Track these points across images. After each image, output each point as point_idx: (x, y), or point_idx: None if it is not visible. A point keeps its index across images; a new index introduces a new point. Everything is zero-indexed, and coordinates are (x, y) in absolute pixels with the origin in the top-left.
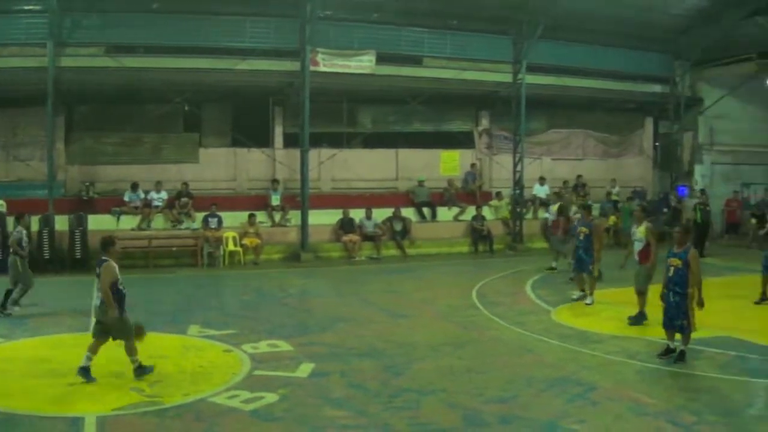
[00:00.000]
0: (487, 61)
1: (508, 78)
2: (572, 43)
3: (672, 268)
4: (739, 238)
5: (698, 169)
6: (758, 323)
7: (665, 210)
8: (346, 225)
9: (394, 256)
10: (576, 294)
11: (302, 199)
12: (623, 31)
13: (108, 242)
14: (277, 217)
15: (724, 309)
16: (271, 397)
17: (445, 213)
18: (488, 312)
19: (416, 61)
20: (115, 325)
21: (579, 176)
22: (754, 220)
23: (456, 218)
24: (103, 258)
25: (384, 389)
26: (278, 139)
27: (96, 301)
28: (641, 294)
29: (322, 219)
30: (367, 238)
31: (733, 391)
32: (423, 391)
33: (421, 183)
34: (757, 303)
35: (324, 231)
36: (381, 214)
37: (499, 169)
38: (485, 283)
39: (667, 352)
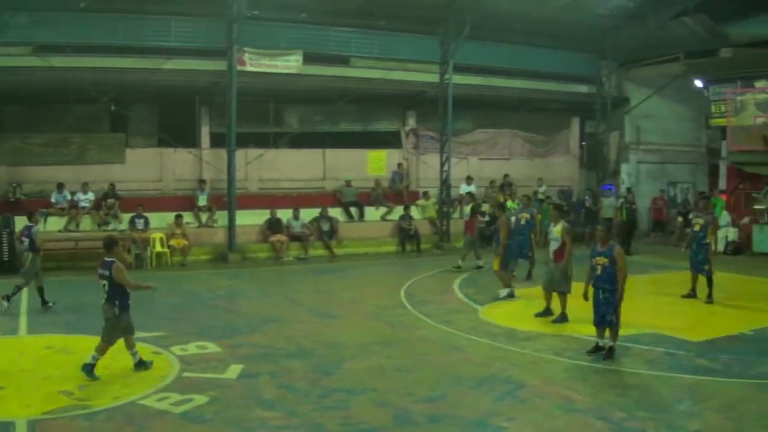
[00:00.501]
0: (414, 61)
1: (435, 78)
2: (499, 44)
3: (599, 267)
4: (666, 236)
5: (625, 168)
6: (685, 320)
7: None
8: (273, 225)
9: (322, 256)
10: (504, 291)
11: (229, 200)
12: (550, 31)
13: (112, 243)
14: (204, 217)
15: (652, 306)
16: (200, 399)
17: (372, 213)
18: (416, 311)
19: (343, 61)
20: (112, 326)
21: (506, 176)
22: (681, 219)
23: (383, 218)
24: (110, 259)
25: (314, 389)
26: (205, 139)
27: (102, 301)
28: (563, 294)
29: (250, 219)
30: (295, 238)
31: (662, 387)
32: (353, 390)
33: (348, 183)
34: (684, 297)
35: (251, 231)
36: (308, 214)
37: (426, 169)
38: (413, 282)
39: (597, 349)
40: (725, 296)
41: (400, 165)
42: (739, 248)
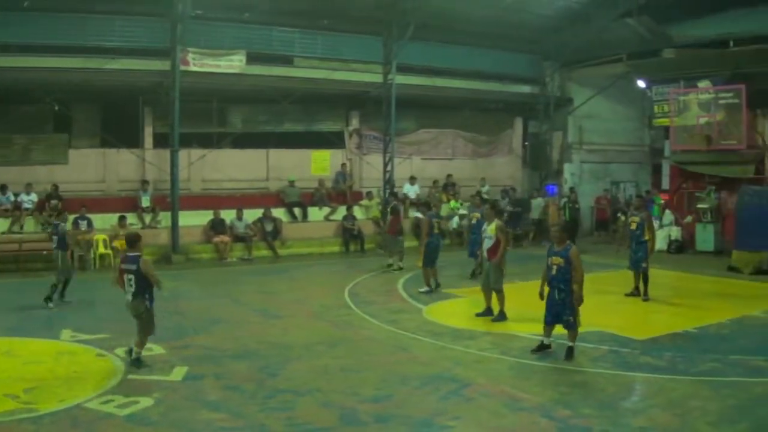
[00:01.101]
0: (357, 61)
1: (378, 78)
2: (443, 44)
3: (555, 267)
4: (609, 235)
5: (568, 168)
6: (629, 318)
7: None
8: (216, 226)
9: (266, 256)
10: (424, 289)
11: (172, 201)
12: (493, 32)
13: (136, 238)
14: (148, 218)
15: (595, 304)
16: (146, 402)
17: (316, 213)
18: (361, 311)
19: (287, 61)
20: (147, 319)
21: (449, 176)
22: (623, 218)
23: (327, 218)
24: (135, 254)
25: (259, 390)
26: (148, 140)
27: (128, 297)
28: (499, 292)
29: (193, 220)
30: (238, 239)
31: (607, 385)
32: (298, 391)
33: (291, 183)
34: (627, 295)
35: (195, 232)
36: (252, 214)
37: (370, 169)
38: (357, 282)
39: (541, 347)
40: (669, 294)
41: (343, 165)
42: (683, 247)
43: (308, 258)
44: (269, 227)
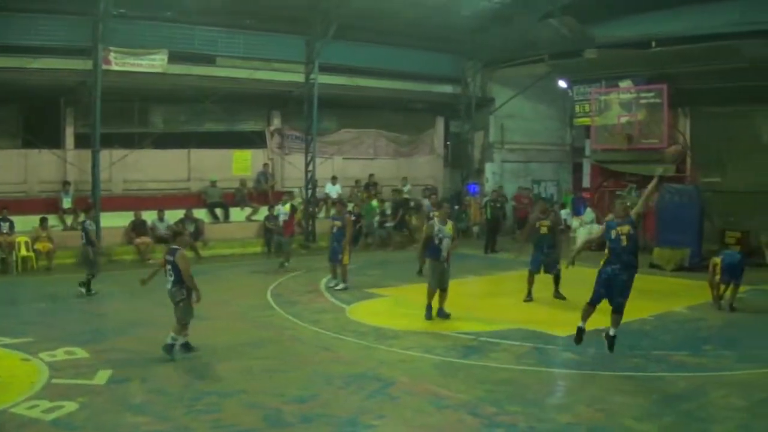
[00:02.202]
0: (280, 60)
1: (300, 78)
2: (365, 44)
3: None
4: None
5: (489, 167)
6: (552, 315)
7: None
8: (138, 227)
9: (188, 258)
10: (333, 282)
11: (94, 202)
12: (416, 32)
13: (178, 233)
14: (69, 220)
15: (518, 302)
16: (71, 406)
17: (237, 213)
18: (284, 312)
19: (209, 61)
20: (185, 306)
21: (371, 175)
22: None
23: (249, 218)
24: (175, 247)
25: (185, 393)
26: (69, 140)
27: (168, 285)
28: (446, 290)
29: (114, 221)
30: (160, 240)
31: (532, 382)
32: (224, 393)
33: (213, 183)
34: (555, 297)
35: (116, 234)
36: (173, 215)
37: (292, 169)
38: (280, 283)
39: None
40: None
41: (265, 165)
42: (604, 244)
43: (230, 259)
44: (191, 228)
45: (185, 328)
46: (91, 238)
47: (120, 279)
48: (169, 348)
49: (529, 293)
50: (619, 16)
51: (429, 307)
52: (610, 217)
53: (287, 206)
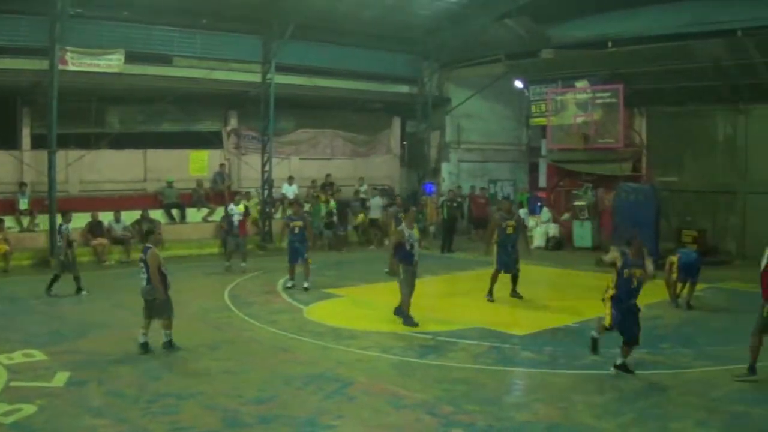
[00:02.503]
0: (236, 60)
1: (257, 78)
2: (322, 44)
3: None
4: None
5: (445, 167)
6: (510, 314)
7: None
8: (94, 228)
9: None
10: (290, 282)
11: (50, 203)
12: (372, 32)
13: (150, 231)
14: (26, 221)
15: (475, 301)
16: (29, 409)
17: (194, 214)
18: (241, 313)
19: (166, 61)
20: (161, 303)
21: (328, 175)
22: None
23: (205, 219)
24: (147, 246)
25: (142, 395)
26: (26, 141)
27: (142, 283)
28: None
29: (71, 223)
30: (117, 241)
31: (489, 380)
32: (181, 394)
33: (169, 184)
34: (512, 296)
35: (73, 235)
36: (130, 216)
37: (248, 169)
38: (237, 283)
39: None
40: (549, 290)
41: (221, 165)
42: (560, 243)
43: (187, 260)
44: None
45: (170, 322)
46: (69, 240)
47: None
48: (167, 344)
49: (491, 292)
50: (575, 17)
51: (409, 315)
52: (628, 251)
53: (240, 206)
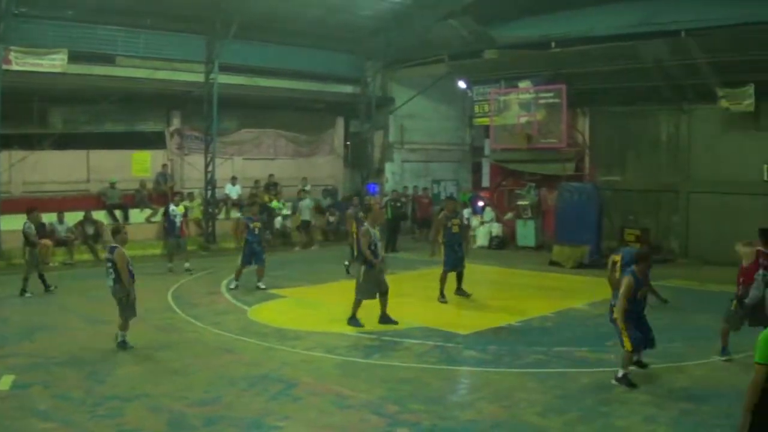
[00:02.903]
0: (180, 60)
1: (200, 78)
2: (266, 44)
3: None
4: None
5: (389, 167)
6: (453, 313)
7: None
8: (38, 230)
9: (88, 260)
10: (234, 284)
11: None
12: (316, 32)
13: (116, 231)
14: None
15: (419, 301)
16: None
17: (137, 215)
18: (185, 314)
19: (109, 60)
20: (127, 302)
21: (271, 175)
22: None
23: (148, 220)
24: (114, 245)
25: (88, 398)
26: None
27: (109, 282)
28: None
29: (14, 224)
30: (60, 242)
31: (434, 380)
32: (126, 397)
33: (112, 185)
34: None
35: (16, 237)
36: (73, 217)
37: (191, 170)
38: (180, 284)
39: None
40: (492, 289)
41: (164, 166)
42: (504, 243)
43: (131, 261)
44: (90, 230)
45: (128, 326)
46: (30, 239)
47: (20, 283)
48: (122, 344)
49: (443, 294)
50: (518, 17)
51: (356, 318)
52: (635, 271)
53: (181, 207)
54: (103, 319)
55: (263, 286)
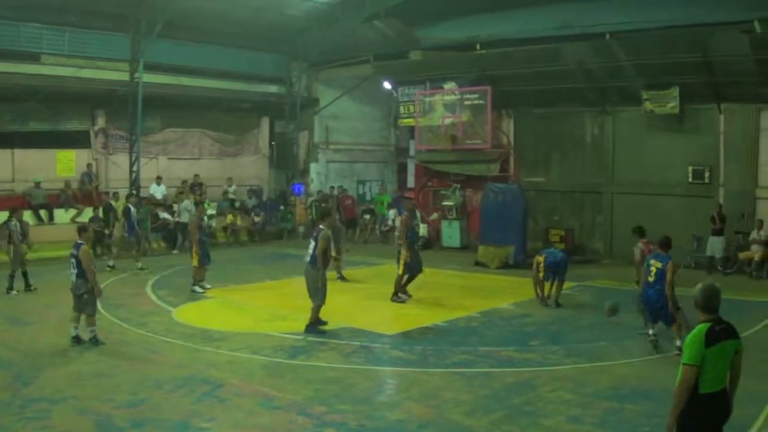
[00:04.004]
0: (105, 59)
1: (125, 76)
2: (191, 43)
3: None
4: (364, 234)
5: (314, 167)
6: (379, 314)
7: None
8: None
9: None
10: (200, 288)
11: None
12: (242, 31)
13: (83, 229)
14: None
15: (345, 301)
16: None
17: (62, 215)
18: (110, 315)
19: (34, 58)
20: (88, 299)
21: (196, 175)
22: (367, 216)
23: (73, 220)
24: (79, 242)
25: (14, 400)
26: None
27: (72, 278)
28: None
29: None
30: None
31: (361, 380)
32: (53, 399)
33: (37, 184)
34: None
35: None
36: None
37: (116, 169)
38: (106, 285)
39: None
40: (418, 289)
41: (89, 165)
42: (429, 243)
43: (57, 261)
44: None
45: (94, 319)
46: (12, 237)
47: None
48: (93, 339)
49: (405, 291)
50: (444, 19)
51: (319, 322)
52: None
53: (120, 209)
54: (26, 320)
55: (209, 286)
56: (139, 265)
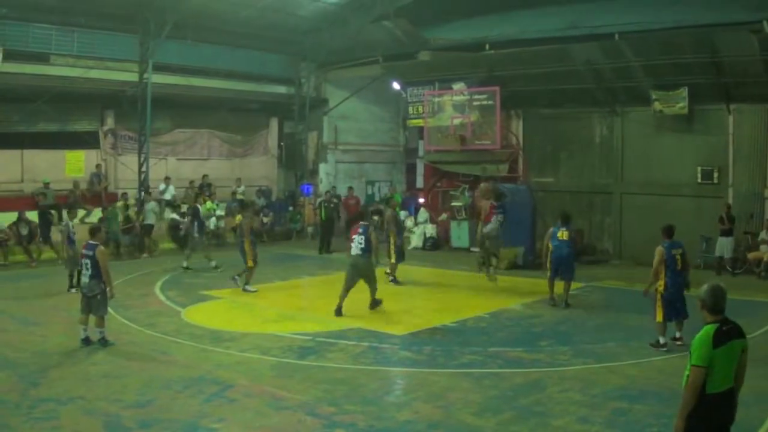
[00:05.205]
0: (114, 59)
1: (134, 77)
2: (200, 43)
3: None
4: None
5: (323, 168)
6: (387, 314)
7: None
8: None
9: (22, 261)
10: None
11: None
12: (251, 32)
13: (96, 229)
14: None
15: (353, 302)
16: None
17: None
18: (119, 315)
19: (43, 59)
20: (101, 300)
21: (205, 176)
22: (376, 217)
23: (82, 221)
24: (94, 242)
25: (23, 401)
26: None
27: (85, 279)
28: None
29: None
30: None
31: (370, 380)
32: (61, 399)
33: (46, 185)
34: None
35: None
36: (6, 218)
37: (125, 170)
38: (114, 285)
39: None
40: (427, 290)
41: (98, 166)
42: (438, 244)
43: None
44: (25, 231)
45: (104, 321)
46: (70, 237)
47: None
48: (102, 341)
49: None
50: (453, 20)
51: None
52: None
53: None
54: (35, 320)
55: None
56: (213, 263)
